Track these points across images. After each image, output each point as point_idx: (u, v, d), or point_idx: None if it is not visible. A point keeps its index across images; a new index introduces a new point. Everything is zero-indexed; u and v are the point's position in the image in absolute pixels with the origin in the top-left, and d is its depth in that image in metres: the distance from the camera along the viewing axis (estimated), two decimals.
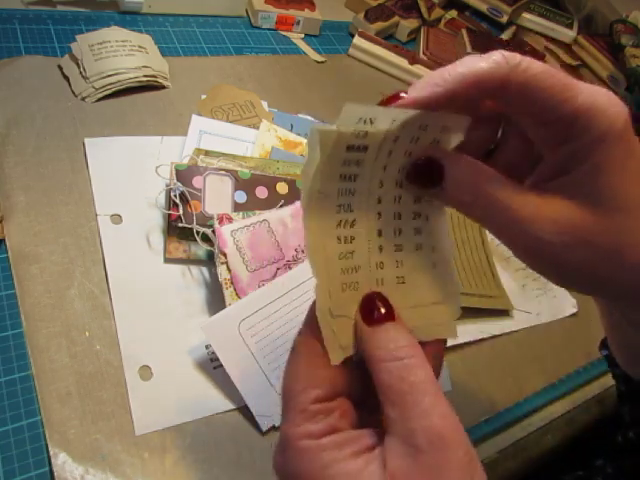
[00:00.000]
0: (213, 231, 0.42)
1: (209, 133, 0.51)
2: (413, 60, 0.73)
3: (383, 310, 0.24)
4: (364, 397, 0.25)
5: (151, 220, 0.44)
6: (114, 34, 0.55)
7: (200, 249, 0.43)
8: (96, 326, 0.38)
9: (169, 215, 0.43)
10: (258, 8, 0.70)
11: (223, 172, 0.45)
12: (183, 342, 0.39)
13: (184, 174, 0.44)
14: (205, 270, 0.43)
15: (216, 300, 0.41)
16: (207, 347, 0.39)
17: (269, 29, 0.71)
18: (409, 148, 0.24)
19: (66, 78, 0.52)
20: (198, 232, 0.42)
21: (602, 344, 0.36)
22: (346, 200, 0.24)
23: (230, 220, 0.42)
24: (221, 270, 0.40)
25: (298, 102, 0.61)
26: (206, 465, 0.34)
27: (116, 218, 0.43)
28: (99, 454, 0.33)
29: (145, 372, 0.37)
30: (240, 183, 0.46)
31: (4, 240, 0.40)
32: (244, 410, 0.37)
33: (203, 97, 0.55)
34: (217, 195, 0.44)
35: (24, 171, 0.44)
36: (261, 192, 0.46)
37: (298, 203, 0.46)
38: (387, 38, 0.79)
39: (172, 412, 0.36)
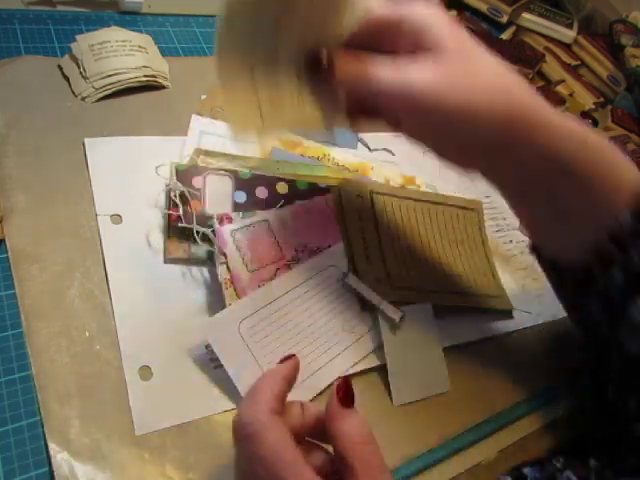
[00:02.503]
0: (213, 231, 0.42)
1: (209, 133, 0.51)
2: None
3: (353, 395, 0.30)
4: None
5: (151, 220, 0.44)
6: (114, 34, 0.55)
7: (200, 249, 0.43)
8: (96, 326, 0.38)
9: (169, 215, 0.43)
10: None
11: (223, 172, 0.45)
12: (183, 342, 0.39)
13: (184, 174, 0.44)
14: (205, 270, 0.43)
15: (216, 300, 0.41)
16: (207, 347, 0.39)
17: None
18: None
19: (66, 78, 0.52)
20: (198, 232, 0.42)
21: (531, 248, 0.41)
22: None
23: (230, 220, 0.42)
24: (221, 270, 0.40)
25: None
26: (206, 465, 0.34)
27: (116, 218, 0.43)
28: (99, 454, 0.33)
29: (145, 372, 0.37)
30: (240, 183, 0.46)
31: (4, 240, 0.40)
32: None
33: (203, 97, 0.55)
34: (217, 195, 0.45)
35: (24, 171, 0.44)
36: (261, 192, 0.46)
37: (298, 203, 0.46)
38: None
39: (172, 412, 0.36)
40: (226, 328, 0.38)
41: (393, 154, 0.60)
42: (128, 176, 0.46)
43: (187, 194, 0.43)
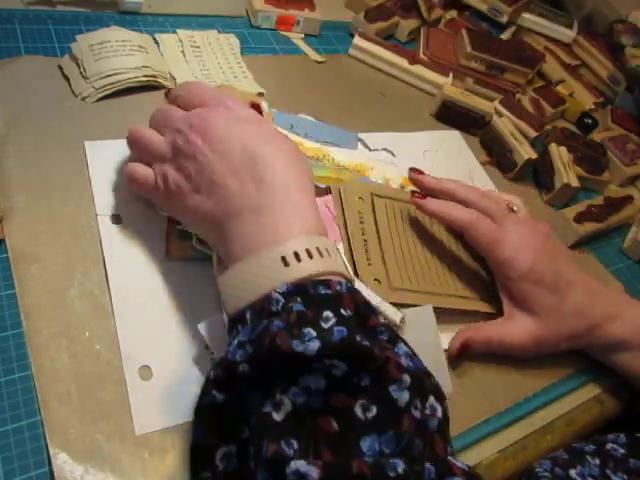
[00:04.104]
0: None
1: None
2: (413, 60, 0.73)
3: None
4: None
5: (151, 220, 0.44)
6: (114, 34, 0.55)
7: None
8: (96, 326, 0.38)
9: (168, 217, 0.43)
10: (258, 8, 0.70)
11: None
12: (183, 342, 0.39)
13: None
14: (206, 270, 0.43)
15: (216, 300, 0.41)
16: (207, 347, 0.39)
17: (269, 29, 0.71)
18: None
19: (66, 78, 0.52)
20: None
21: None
22: None
23: None
24: (217, 273, 0.40)
25: (298, 102, 0.61)
26: None
27: (116, 218, 0.43)
28: (99, 454, 0.33)
29: (145, 372, 0.37)
30: None
31: (4, 240, 0.40)
32: None
33: None
34: None
35: (24, 171, 0.44)
36: None
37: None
38: (387, 38, 0.79)
39: (173, 412, 0.36)
40: (224, 328, 0.38)
41: (394, 155, 0.60)
42: None
43: None
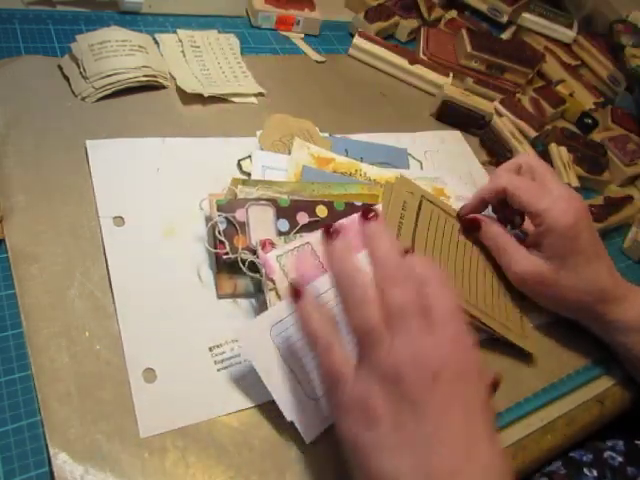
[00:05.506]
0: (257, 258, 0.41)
1: (272, 168, 0.51)
2: (413, 60, 0.73)
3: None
4: None
5: (153, 222, 0.44)
6: (114, 34, 0.55)
7: (248, 280, 0.42)
8: (96, 326, 0.38)
9: (216, 253, 0.42)
10: (258, 8, 0.70)
11: (264, 202, 0.45)
12: (186, 344, 0.39)
13: (225, 208, 0.43)
14: (208, 274, 0.43)
15: (218, 303, 0.41)
16: (210, 349, 0.39)
17: (269, 29, 0.71)
18: None
19: (66, 78, 0.52)
20: (244, 262, 0.41)
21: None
22: None
23: (273, 245, 0.42)
24: (270, 297, 0.40)
25: (298, 102, 0.61)
26: (206, 465, 0.34)
27: (118, 220, 0.43)
28: (99, 454, 0.33)
29: (149, 374, 0.37)
30: (281, 211, 0.45)
31: (4, 240, 0.40)
32: (246, 413, 0.37)
33: (259, 133, 0.54)
34: (261, 226, 0.44)
35: (24, 171, 0.44)
36: (302, 217, 0.45)
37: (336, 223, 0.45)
38: (387, 38, 0.79)
39: (176, 414, 0.36)
40: (258, 332, 0.37)
41: (422, 168, 0.61)
42: (130, 178, 0.46)
43: (236, 225, 0.43)
